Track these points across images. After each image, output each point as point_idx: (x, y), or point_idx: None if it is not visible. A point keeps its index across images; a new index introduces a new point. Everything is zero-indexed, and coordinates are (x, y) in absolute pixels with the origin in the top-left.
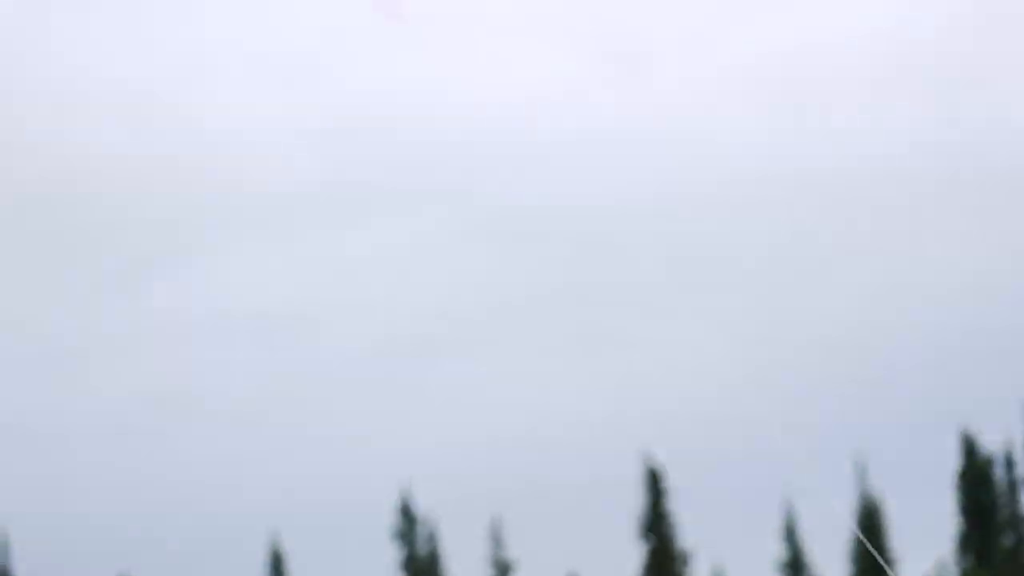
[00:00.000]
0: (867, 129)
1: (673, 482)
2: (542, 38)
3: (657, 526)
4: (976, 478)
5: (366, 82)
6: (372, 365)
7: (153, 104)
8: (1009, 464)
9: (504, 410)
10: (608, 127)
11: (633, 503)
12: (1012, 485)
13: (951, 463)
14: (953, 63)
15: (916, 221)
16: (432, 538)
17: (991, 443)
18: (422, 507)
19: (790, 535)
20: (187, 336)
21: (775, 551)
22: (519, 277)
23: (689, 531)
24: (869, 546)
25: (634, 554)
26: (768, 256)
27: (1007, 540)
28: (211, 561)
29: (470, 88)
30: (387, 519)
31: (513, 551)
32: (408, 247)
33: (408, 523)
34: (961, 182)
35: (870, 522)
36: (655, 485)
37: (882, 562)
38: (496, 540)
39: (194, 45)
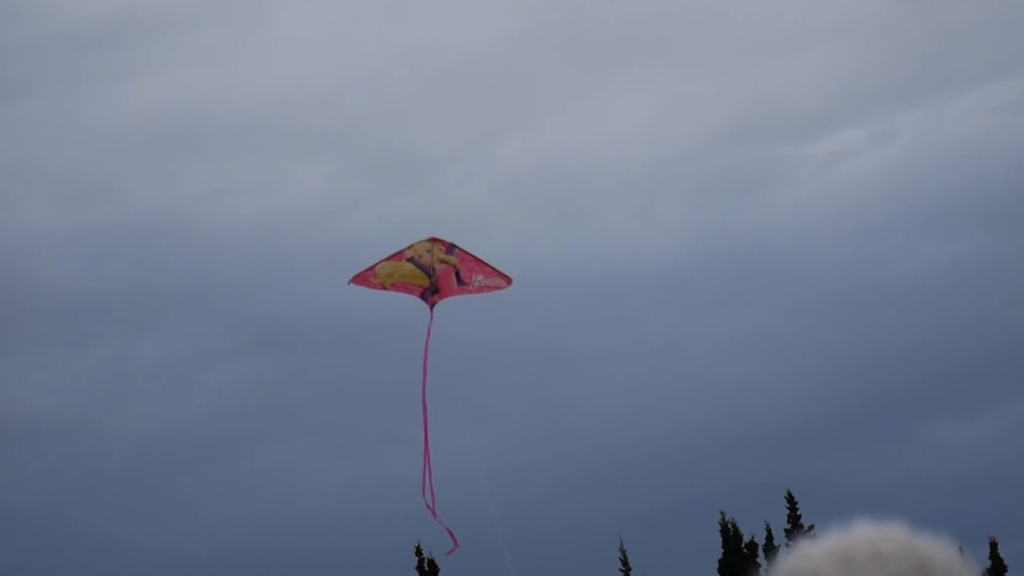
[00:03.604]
0: (635, 231)
1: (447, 573)
2: (321, 154)
3: None
4: (737, 565)
5: (148, 197)
6: (155, 467)
7: None
8: (770, 551)
9: (281, 509)
10: (382, 232)
11: None
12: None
13: (713, 550)
14: (719, 168)
15: (681, 324)
16: None
17: (753, 528)
18: None
19: None
20: None
21: None
22: (298, 381)
23: None
24: None
25: None
26: (535, 353)
27: None
28: None
29: (249, 198)
30: None
31: None
32: (193, 351)
33: None
34: (724, 281)
35: None
36: (430, 572)
37: None
38: None
39: None
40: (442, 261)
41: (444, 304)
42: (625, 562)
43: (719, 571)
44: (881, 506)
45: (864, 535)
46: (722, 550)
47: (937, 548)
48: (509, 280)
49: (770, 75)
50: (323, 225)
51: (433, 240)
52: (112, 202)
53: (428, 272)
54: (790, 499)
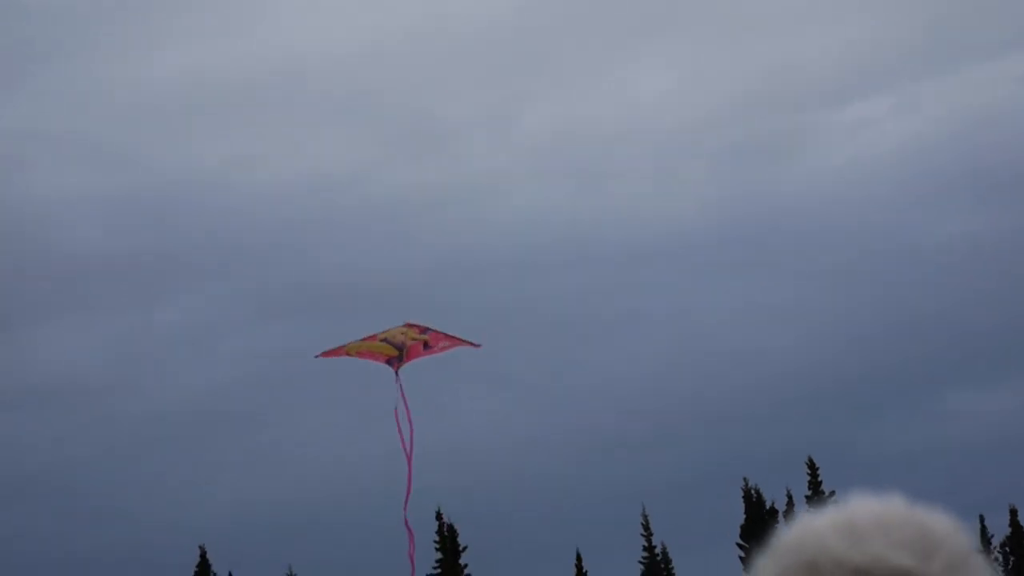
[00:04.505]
0: (658, 196)
1: (467, 539)
2: (348, 121)
3: None
4: (759, 531)
5: (172, 164)
6: (171, 433)
7: None
8: (791, 518)
9: (296, 471)
10: (407, 198)
11: (428, 558)
12: None
13: (736, 515)
14: (744, 133)
15: (705, 292)
16: None
17: (774, 496)
18: (220, 566)
19: None
20: None
21: None
22: (317, 346)
23: None
24: None
25: None
26: (560, 321)
27: None
28: None
29: (278, 164)
30: None
31: None
32: (211, 320)
33: None
34: (742, 245)
35: (657, 573)
36: (450, 541)
37: None
38: None
39: (4, 129)
40: (413, 339)
41: (465, 274)
42: (647, 528)
43: (741, 537)
44: (901, 474)
45: (865, 505)
46: (744, 516)
47: (937, 518)
48: (477, 345)
49: (794, 44)
50: (345, 191)
51: (409, 325)
52: (134, 169)
53: (398, 347)
54: (811, 466)
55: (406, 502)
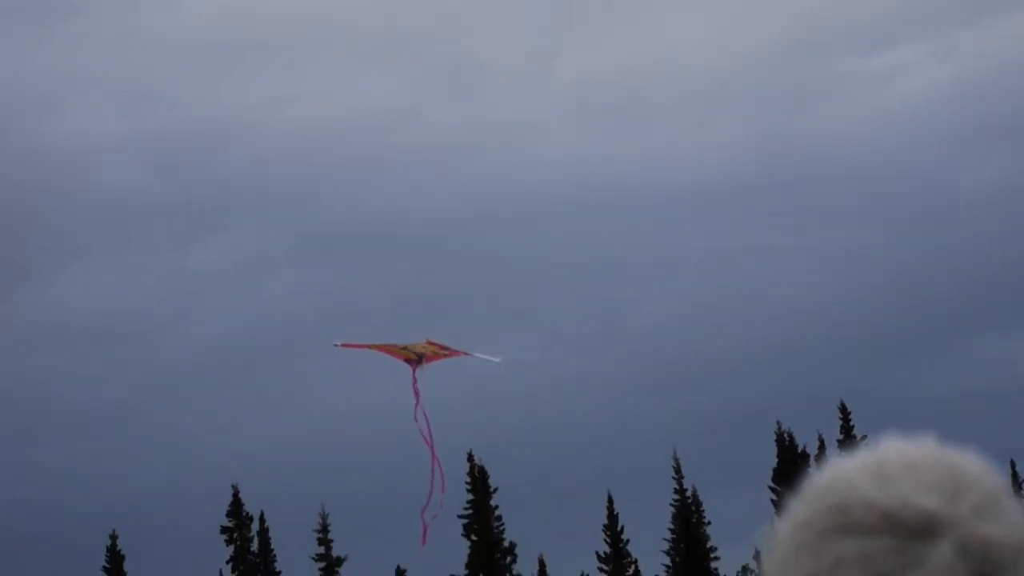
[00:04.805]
0: (691, 145)
1: (498, 481)
2: (387, 64)
3: (482, 521)
4: (791, 474)
5: (208, 106)
6: (208, 371)
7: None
8: (822, 461)
9: (334, 413)
10: (444, 142)
11: (459, 499)
12: None
13: (768, 459)
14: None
15: (737, 236)
16: (262, 535)
17: (806, 440)
18: (252, 505)
19: (612, 529)
20: (32, 344)
21: (597, 544)
22: (355, 288)
23: (515, 527)
24: None
25: (461, 548)
26: (594, 265)
27: None
28: (53, 560)
29: (315, 106)
30: (219, 518)
31: (341, 547)
32: (249, 261)
33: (238, 520)
34: (781, 195)
35: (688, 515)
36: (480, 483)
37: None
38: (325, 536)
39: (41, 72)
40: (434, 353)
41: (502, 217)
42: (679, 471)
43: (773, 480)
44: (933, 418)
45: (895, 447)
46: (777, 459)
47: (967, 459)
48: (496, 360)
49: None
50: (383, 134)
51: (430, 342)
52: (170, 110)
53: (418, 355)
54: (843, 410)
55: (428, 497)
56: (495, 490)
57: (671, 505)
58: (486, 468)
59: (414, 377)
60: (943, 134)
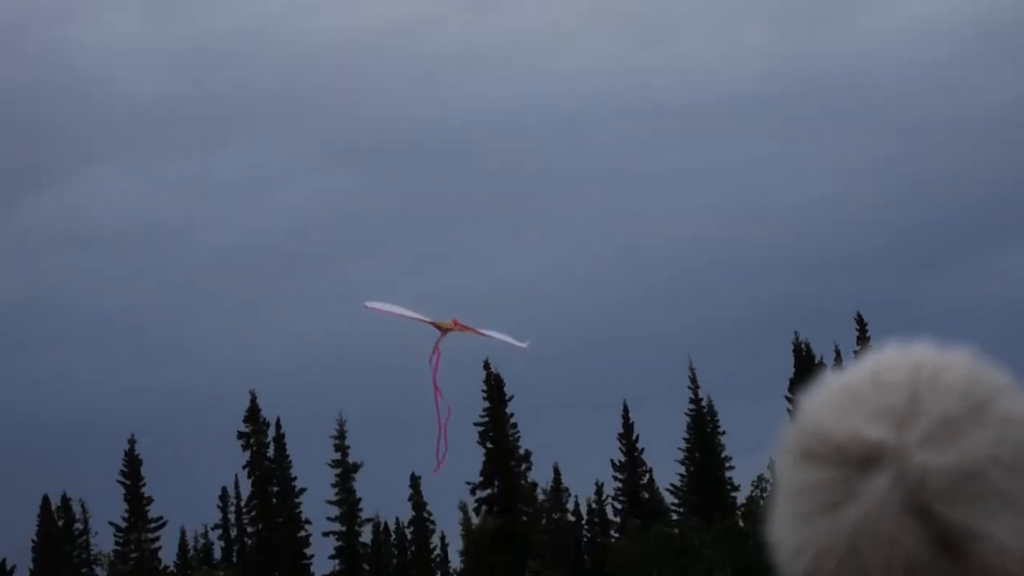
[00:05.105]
0: (716, 58)
1: (514, 389)
2: None
3: (497, 429)
4: (808, 383)
5: (233, 12)
6: (228, 278)
7: (23, 35)
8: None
9: (352, 320)
10: (468, 52)
11: (475, 407)
12: None
13: (785, 369)
14: None
15: (759, 145)
16: (278, 441)
17: (823, 349)
18: (269, 412)
19: (627, 438)
20: (49, 250)
21: (612, 453)
22: (379, 197)
23: (530, 435)
24: None
25: (476, 455)
26: (617, 174)
27: None
28: (71, 462)
29: (342, 14)
30: (236, 423)
31: (357, 454)
32: (272, 169)
33: (255, 426)
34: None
35: (703, 425)
36: (496, 391)
37: None
38: (341, 443)
39: None
40: (462, 330)
41: (525, 126)
42: (694, 380)
43: (789, 390)
44: (950, 331)
45: (871, 366)
46: (794, 370)
47: (949, 372)
48: (523, 345)
49: None
50: (408, 43)
51: (456, 322)
52: (196, 17)
53: (445, 330)
54: (859, 321)
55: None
56: (510, 398)
57: (686, 415)
58: (502, 376)
59: (439, 346)
60: (967, 47)
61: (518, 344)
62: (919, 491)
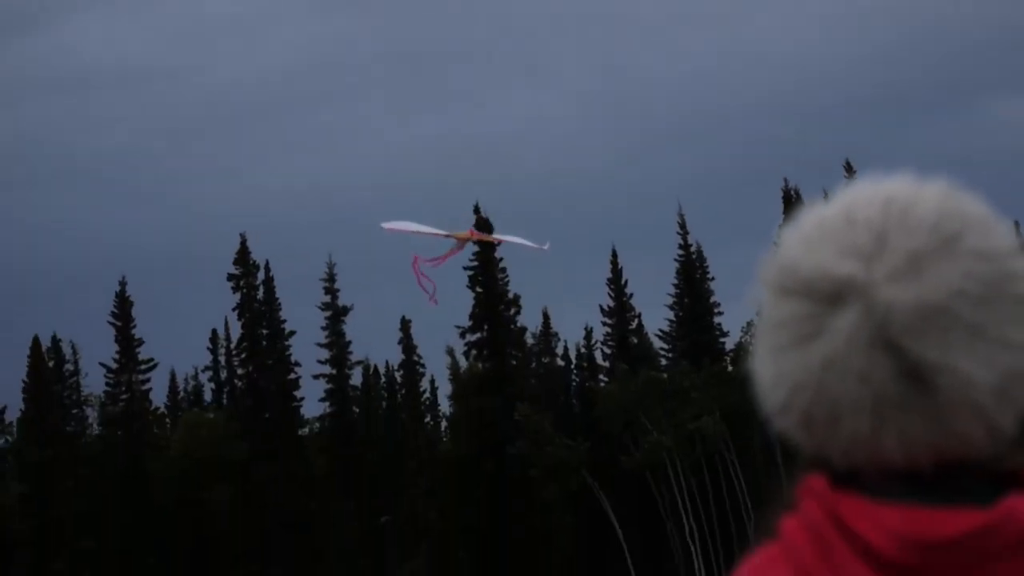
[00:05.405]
0: None
1: (504, 232)
2: None
3: (487, 273)
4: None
5: None
6: (218, 119)
7: None
8: None
9: (342, 161)
10: None
11: (465, 251)
12: None
13: (774, 215)
14: None
15: None
16: (267, 283)
17: (813, 196)
18: (259, 254)
19: (616, 283)
20: (43, 91)
21: (601, 298)
22: (372, 39)
23: (519, 279)
24: None
25: (466, 299)
26: (605, 20)
27: None
28: (62, 304)
29: None
30: (226, 265)
31: (347, 297)
32: (262, 7)
33: (245, 268)
34: None
35: (692, 271)
36: (486, 234)
37: None
38: (331, 285)
39: None
40: (479, 240)
41: None
42: (683, 226)
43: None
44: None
45: (847, 200)
46: (783, 216)
47: (928, 204)
48: (544, 248)
49: None
50: None
51: (473, 232)
52: None
53: (462, 241)
54: (848, 168)
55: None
56: (500, 242)
57: (675, 260)
58: (491, 221)
59: (450, 254)
60: None
61: (538, 246)
62: (886, 326)
